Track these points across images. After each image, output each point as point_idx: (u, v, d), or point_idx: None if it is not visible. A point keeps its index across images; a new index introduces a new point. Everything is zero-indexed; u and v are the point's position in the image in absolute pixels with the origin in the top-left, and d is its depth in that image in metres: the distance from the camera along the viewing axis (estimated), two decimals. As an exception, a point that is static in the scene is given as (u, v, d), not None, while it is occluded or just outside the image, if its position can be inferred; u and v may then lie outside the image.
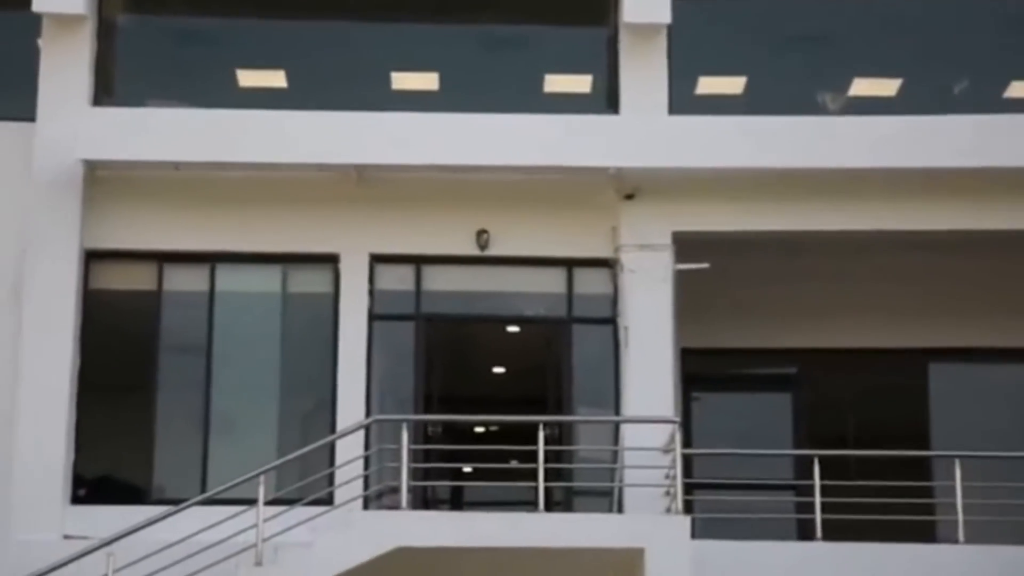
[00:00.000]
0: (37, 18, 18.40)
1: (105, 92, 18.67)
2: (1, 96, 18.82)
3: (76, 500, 17.51)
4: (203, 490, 17.14)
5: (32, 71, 18.44)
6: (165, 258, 18.33)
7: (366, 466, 17.17)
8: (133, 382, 18.06)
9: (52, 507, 17.20)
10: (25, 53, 18.69)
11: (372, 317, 18.27)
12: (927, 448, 19.15)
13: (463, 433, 19.01)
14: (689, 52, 18.88)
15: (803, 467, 17.57)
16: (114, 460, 18.00)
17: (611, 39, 18.96)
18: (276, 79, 19.37)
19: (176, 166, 18.04)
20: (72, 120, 18.09)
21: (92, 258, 18.20)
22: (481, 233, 18.37)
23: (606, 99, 18.86)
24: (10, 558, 16.25)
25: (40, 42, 18.54)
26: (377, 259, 18.40)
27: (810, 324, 19.41)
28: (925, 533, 17.23)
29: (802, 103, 18.83)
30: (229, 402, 18.09)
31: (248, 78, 19.35)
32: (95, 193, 18.15)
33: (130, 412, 18.01)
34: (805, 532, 17.36)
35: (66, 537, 17.01)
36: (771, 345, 19.59)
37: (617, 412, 17.94)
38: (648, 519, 16.32)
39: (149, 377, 18.03)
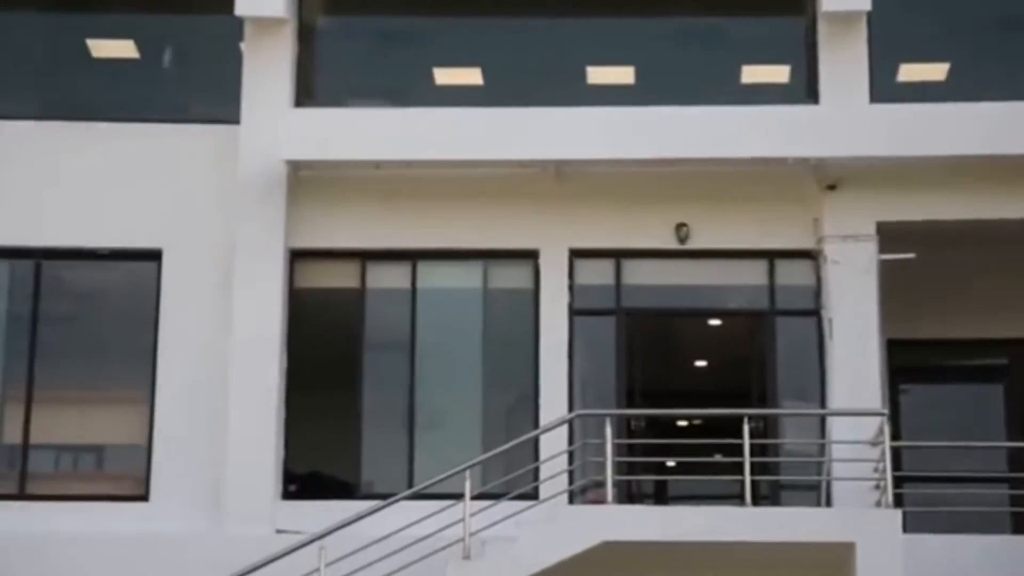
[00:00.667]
0: (239, 22, 18.69)
1: (306, 93, 18.92)
2: (206, 100, 19.18)
3: (287, 495, 17.79)
4: (410, 485, 17.28)
5: (235, 75, 18.73)
6: (368, 256, 18.52)
7: (570, 461, 17.18)
8: (339, 379, 18.27)
9: (264, 502, 17.48)
10: (228, 57, 19.01)
11: (572, 312, 18.28)
12: None
13: (666, 427, 18.89)
14: (890, 39, 18.60)
15: (1016, 459, 17.21)
16: (322, 456, 18.23)
17: (809, 28, 18.74)
18: (472, 76, 19.46)
19: (377, 165, 18.21)
20: (275, 122, 18.35)
21: (297, 257, 18.45)
22: (681, 226, 18.28)
23: (805, 89, 18.64)
24: (224, 552, 16.47)
25: (242, 46, 18.84)
26: (577, 254, 18.41)
27: (1021, 314, 18.99)
28: None
29: (1006, 88, 18.41)
30: (433, 398, 18.24)
31: (445, 76, 19.46)
32: (298, 193, 18.41)
33: (337, 408, 18.22)
34: (1019, 526, 16.99)
35: (278, 531, 17.30)
36: (980, 335, 19.16)
37: (823, 405, 17.74)
38: (859, 513, 16.11)
39: (355, 374, 18.23)
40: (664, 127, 18.01)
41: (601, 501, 16.27)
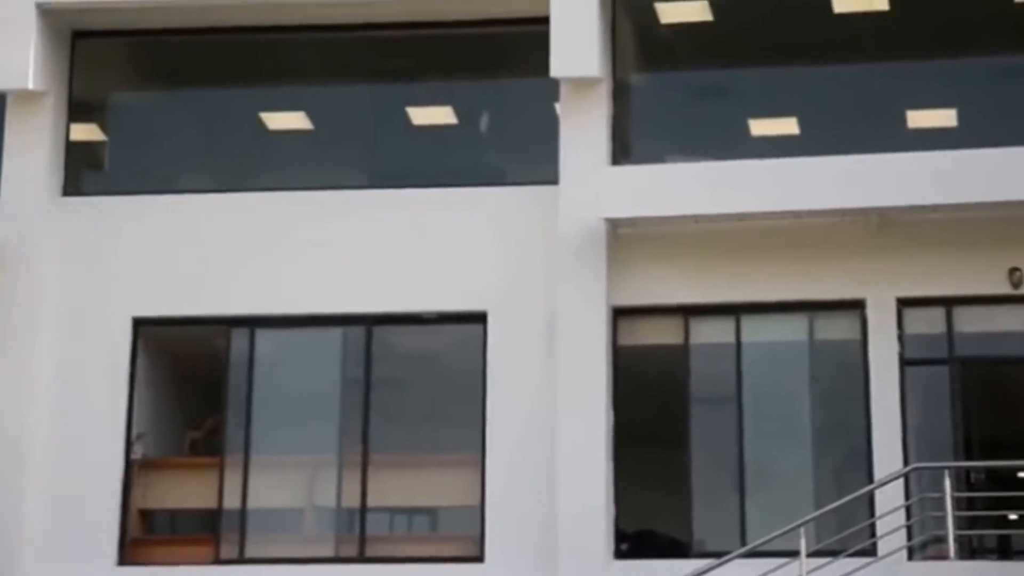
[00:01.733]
0: (553, 83, 18.87)
1: (622, 151, 18.99)
2: (526, 161, 19.42)
3: (618, 555, 17.79)
4: (743, 543, 17.10)
5: (551, 136, 18.91)
6: (690, 311, 18.45)
7: (907, 516, 16.79)
8: (666, 435, 18.21)
9: (597, 562, 17.42)
10: (543, 118, 19.22)
11: (903, 362, 17.89)
12: None
13: (1008, 479, 18.36)
14: None
15: None
16: (653, 514, 18.21)
17: None
18: (789, 126, 19.30)
19: (696, 220, 18.15)
20: (593, 181, 18.42)
21: (619, 314, 18.48)
22: (1014, 271, 17.76)
23: None
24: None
25: (557, 107, 19.02)
26: (905, 303, 18.02)
27: None
28: None
29: None
30: (762, 453, 18.02)
31: (760, 127, 19.34)
32: (618, 250, 18.45)
33: (665, 465, 18.14)
34: None
35: (614, 592, 17.33)
36: None
37: None
38: None
39: (682, 430, 18.15)
40: (991, 170, 17.53)
41: (943, 557, 15.86)
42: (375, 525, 18.46)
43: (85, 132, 20.04)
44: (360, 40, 19.99)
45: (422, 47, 19.92)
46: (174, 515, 19.45)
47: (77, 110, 19.82)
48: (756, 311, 18.36)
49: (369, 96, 20.18)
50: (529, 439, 18.07)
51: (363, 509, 18.31)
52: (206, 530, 18.48)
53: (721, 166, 18.38)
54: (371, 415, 18.54)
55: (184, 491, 18.98)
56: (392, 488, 18.50)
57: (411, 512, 18.90)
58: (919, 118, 19.00)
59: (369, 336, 18.76)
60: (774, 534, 16.17)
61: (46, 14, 19.38)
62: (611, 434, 18.00)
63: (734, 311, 18.38)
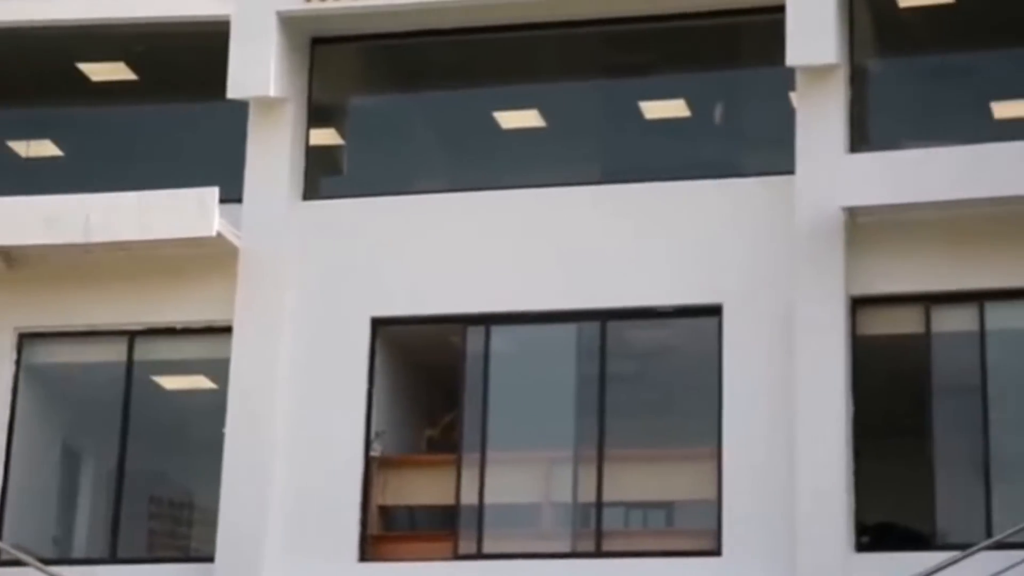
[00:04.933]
0: (788, 72, 18.59)
1: (860, 138, 18.61)
2: (761, 152, 19.19)
3: (859, 548, 17.38)
4: (988, 534, 16.56)
5: (787, 125, 18.61)
6: (932, 299, 17.96)
7: None
8: (907, 426, 17.77)
9: (837, 555, 17.06)
10: (779, 108, 18.96)
11: None
12: None
13: None
14: None
15: None
16: (894, 506, 17.76)
17: None
18: (1028, 108, 18.76)
19: (937, 206, 17.63)
20: (830, 169, 18.09)
21: (858, 304, 18.08)
22: None
23: None
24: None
25: (792, 95, 18.74)
26: None
27: None
28: None
29: None
30: (1009, 442, 17.42)
31: (1003, 110, 18.79)
32: (856, 239, 18.05)
33: (906, 456, 17.70)
34: None
35: (855, 584, 16.98)
36: None
37: None
38: None
39: (924, 420, 17.66)
40: None
41: None
42: (611, 520, 18.37)
43: (324, 137, 20.44)
44: (591, 35, 19.96)
45: (655, 40, 19.84)
46: (413, 511, 19.63)
47: (316, 115, 20.20)
48: (1001, 298, 17.79)
49: (601, 91, 20.18)
50: (766, 432, 17.78)
51: (599, 504, 18.22)
52: (444, 526, 18.63)
53: (963, 150, 17.86)
54: (606, 410, 18.46)
55: (422, 488, 19.18)
56: (628, 483, 18.38)
57: (647, 507, 18.81)
58: None
59: (603, 331, 18.70)
60: (1021, 525, 15.59)
61: (286, 22, 19.82)
62: (851, 426, 17.60)
63: (977, 298, 17.83)
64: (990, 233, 17.72)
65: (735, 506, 17.73)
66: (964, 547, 16.00)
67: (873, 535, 17.56)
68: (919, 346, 17.92)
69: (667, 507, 18.83)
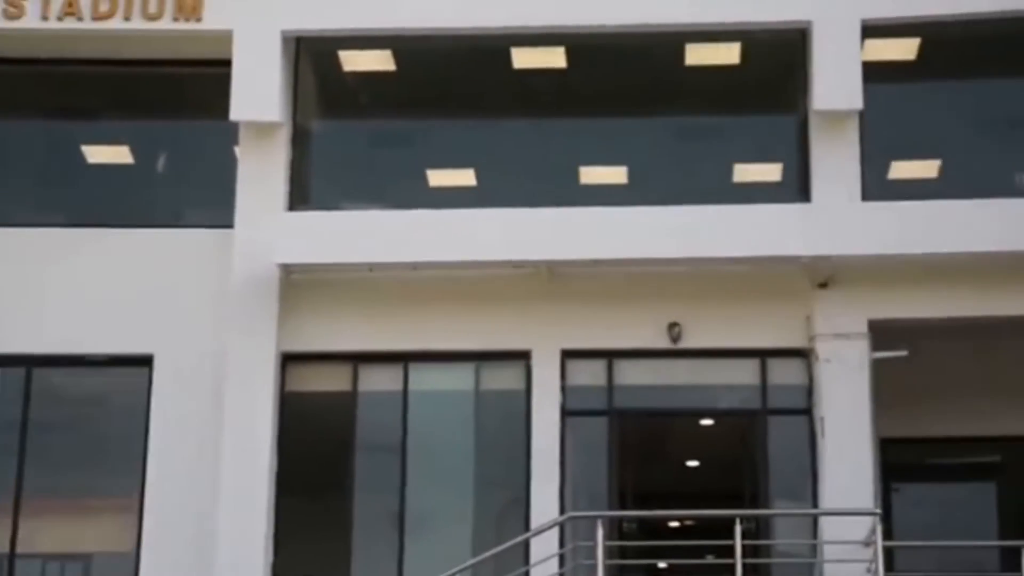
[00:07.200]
0: (233, 126, 18.79)
1: (300, 197, 18.96)
2: (201, 205, 19.29)
3: (262, 600, 17.67)
4: (400, 589, 17.19)
5: (229, 179, 18.82)
6: (360, 359, 18.47)
7: (561, 564, 17.02)
8: (330, 482, 18.17)
9: (252, 608, 17.36)
10: (222, 161, 19.12)
11: (565, 413, 18.17)
12: None
13: (658, 529, 18.76)
14: (881, 137, 18.56)
15: (1009, 558, 16.97)
16: (312, 560, 18.06)
17: (801, 126, 18.72)
18: (466, 178, 19.52)
19: (370, 268, 18.19)
20: (269, 225, 18.34)
21: (288, 360, 18.42)
22: (673, 326, 18.19)
23: (797, 187, 18.60)
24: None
25: (237, 150, 18.93)
26: (569, 354, 18.32)
27: (1014, 411, 18.83)
28: None
29: (998, 186, 18.38)
30: (424, 500, 18.10)
31: (438, 178, 19.53)
32: (291, 296, 18.40)
33: (327, 511, 18.11)
34: (1014, 626, 16.73)
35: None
36: (973, 433, 19.05)
37: (815, 505, 17.55)
38: (852, 613, 15.94)
39: (346, 477, 18.13)
40: (656, 227, 17.93)
41: (593, 604, 16.09)
42: (27, 573, 17.99)
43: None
44: (37, 75, 19.60)
45: (100, 84, 19.63)
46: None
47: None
48: (424, 359, 18.47)
49: (43, 133, 19.79)
50: (190, 485, 17.85)
51: (12, 556, 17.86)
52: None
53: (395, 214, 18.49)
54: (26, 459, 18.11)
55: None
56: (46, 534, 18.10)
57: (65, 559, 18.46)
58: (591, 174, 19.36)
59: (28, 377, 18.37)
60: (429, 580, 16.25)
61: None
62: (274, 481, 17.87)
63: (402, 359, 18.45)
64: (418, 296, 18.37)
65: (154, 559, 17.72)
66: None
67: (290, 589, 17.89)
68: (346, 404, 18.39)
69: (85, 559, 18.54)
